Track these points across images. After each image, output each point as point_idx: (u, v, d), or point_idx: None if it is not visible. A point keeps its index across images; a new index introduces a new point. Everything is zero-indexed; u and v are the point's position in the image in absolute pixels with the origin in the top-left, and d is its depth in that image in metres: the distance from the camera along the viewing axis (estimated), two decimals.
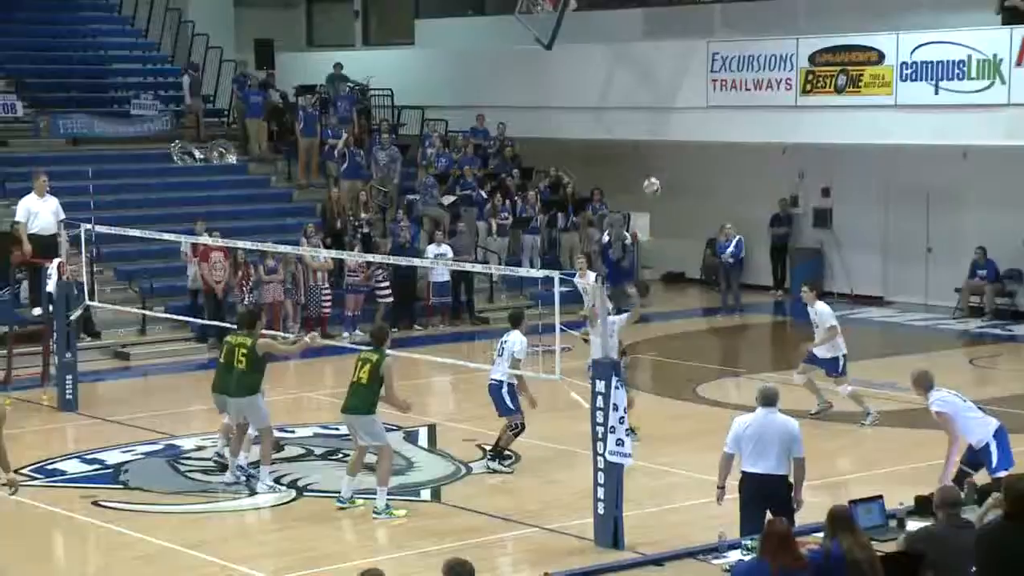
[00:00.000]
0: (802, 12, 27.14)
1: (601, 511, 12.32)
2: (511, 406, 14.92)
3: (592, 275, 18.61)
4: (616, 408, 12.13)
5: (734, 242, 26.33)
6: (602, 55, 28.69)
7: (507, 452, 15.11)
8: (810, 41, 25.68)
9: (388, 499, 13.35)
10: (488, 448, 15.26)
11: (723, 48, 26.89)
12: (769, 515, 10.08)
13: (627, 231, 26.38)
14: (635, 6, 29.69)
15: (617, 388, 12.21)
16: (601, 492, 12.30)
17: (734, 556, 9.86)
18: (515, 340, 14.81)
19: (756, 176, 27.86)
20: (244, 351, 14.03)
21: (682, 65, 27.69)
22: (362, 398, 13.40)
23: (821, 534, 9.11)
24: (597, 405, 12.32)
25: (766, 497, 10.68)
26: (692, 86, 27.38)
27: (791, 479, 10.84)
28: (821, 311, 17.08)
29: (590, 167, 28.99)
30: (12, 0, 30.02)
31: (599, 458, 12.31)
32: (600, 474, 12.32)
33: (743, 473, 11.01)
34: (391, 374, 13.35)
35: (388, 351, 13.51)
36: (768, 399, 11.05)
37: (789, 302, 27.07)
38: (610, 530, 12.25)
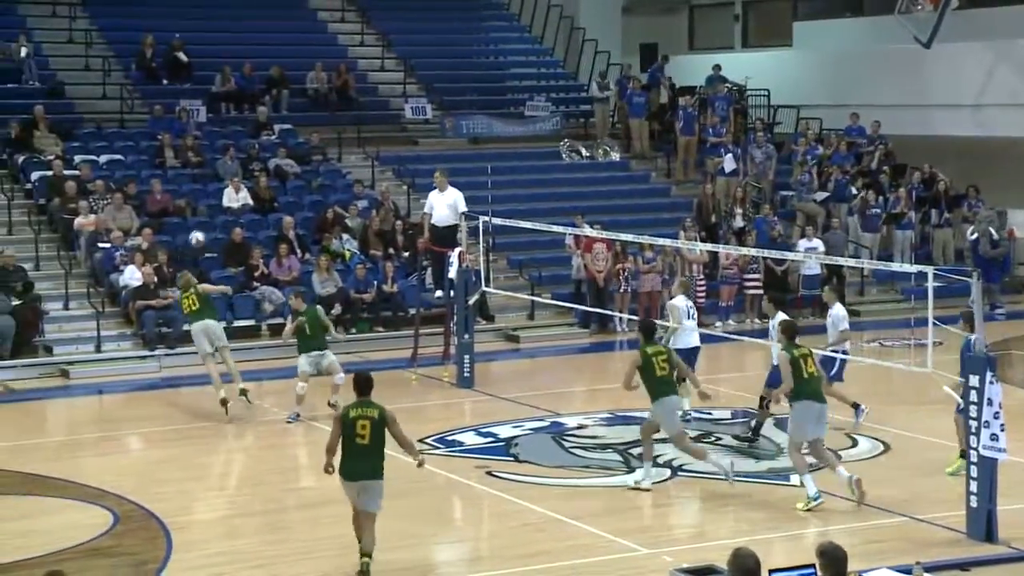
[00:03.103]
0: None
1: (974, 504, 11.77)
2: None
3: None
4: (990, 403, 11.55)
5: None
6: (983, 52, 27.36)
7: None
8: None
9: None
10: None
11: None
12: None
13: (1001, 227, 25.12)
14: (1020, 3, 28.09)
15: (992, 383, 11.62)
16: (974, 485, 11.76)
17: None
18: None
19: None
20: None
21: None
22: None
23: None
24: (971, 400, 11.78)
25: None
26: None
27: None
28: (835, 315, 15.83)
29: (965, 164, 27.68)
30: (426, 14, 31.44)
31: (972, 452, 11.76)
32: (973, 467, 11.78)
33: None
34: (782, 365, 12.98)
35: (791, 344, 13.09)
36: None
37: None
38: (983, 523, 11.70)
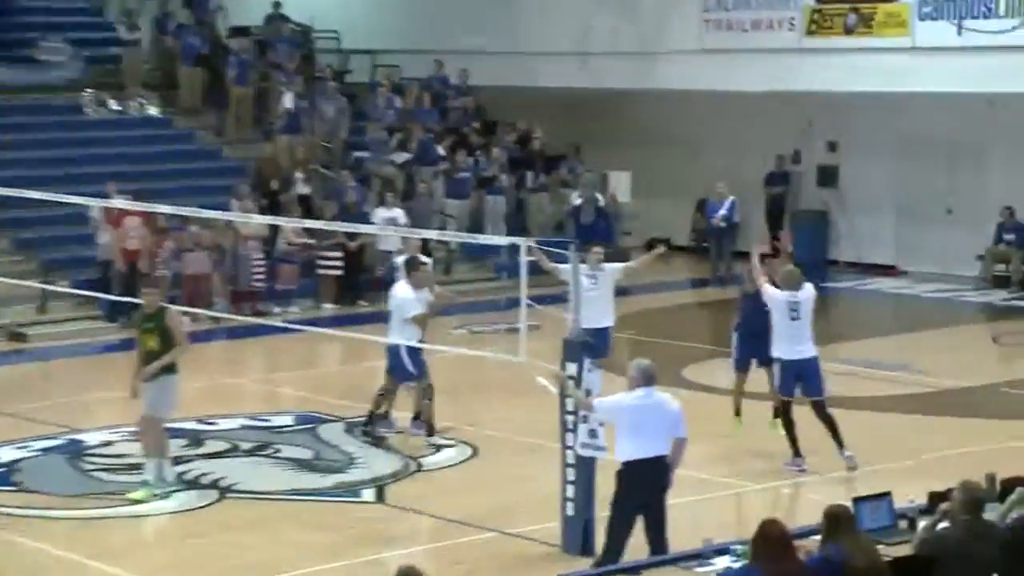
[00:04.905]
0: None
1: (571, 512, 12.08)
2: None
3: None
4: (589, 394, 11.85)
5: (727, 204, 26.18)
6: None
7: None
8: None
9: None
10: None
11: None
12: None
13: (604, 193, 26.24)
14: None
15: (590, 371, 11.95)
16: (571, 491, 12.07)
17: (722, 563, 9.62)
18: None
19: (753, 128, 27.65)
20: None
21: (671, 4, 27.61)
22: None
23: (819, 537, 8.88)
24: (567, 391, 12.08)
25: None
26: (683, 27, 27.34)
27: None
28: None
29: (565, 120, 28.78)
30: None
31: (568, 452, 12.07)
32: (570, 470, 12.10)
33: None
34: None
35: None
36: None
37: None
38: (579, 534, 12.01)
